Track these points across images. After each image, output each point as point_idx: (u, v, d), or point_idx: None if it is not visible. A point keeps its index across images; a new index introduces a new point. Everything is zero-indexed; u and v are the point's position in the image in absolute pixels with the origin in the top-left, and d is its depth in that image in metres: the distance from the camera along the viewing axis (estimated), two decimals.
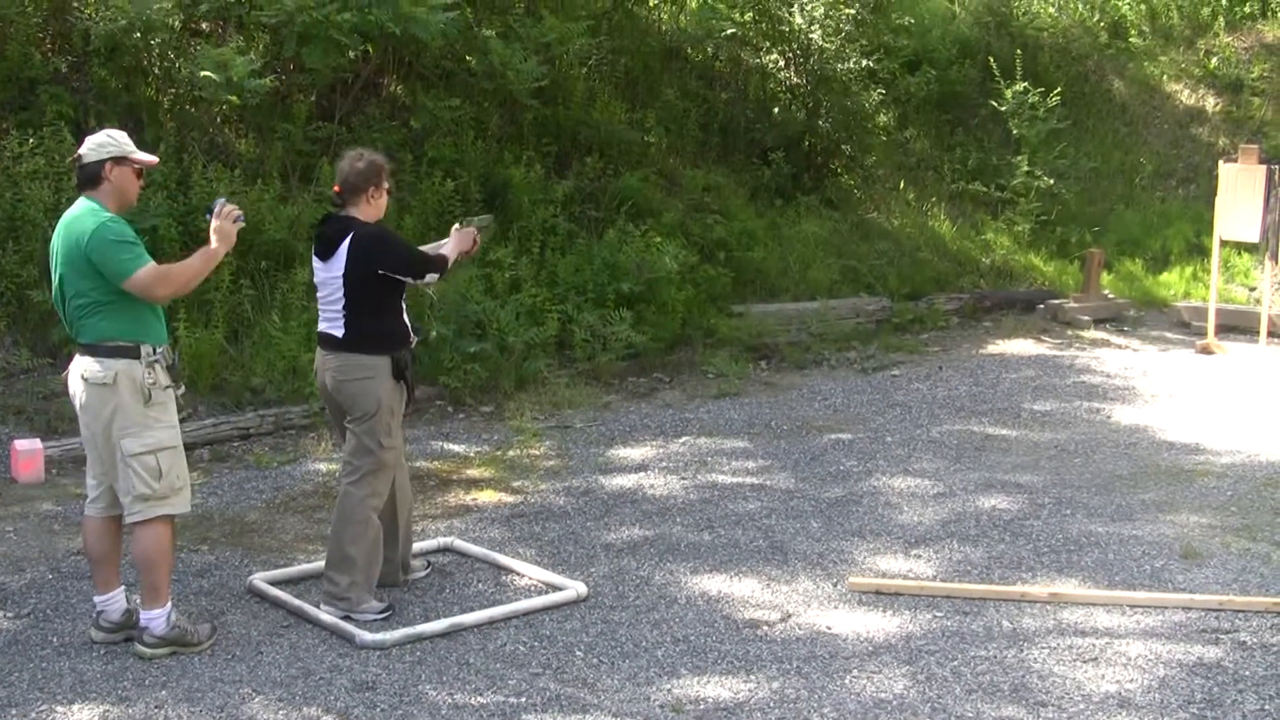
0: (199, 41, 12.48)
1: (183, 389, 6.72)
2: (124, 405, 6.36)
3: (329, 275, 7.01)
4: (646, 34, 16.51)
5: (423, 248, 7.56)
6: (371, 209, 7.09)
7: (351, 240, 6.91)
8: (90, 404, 6.42)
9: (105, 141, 6.52)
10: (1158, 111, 19.77)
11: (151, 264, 6.38)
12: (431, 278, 7.25)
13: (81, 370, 6.43)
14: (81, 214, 6.41)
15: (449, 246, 7.49)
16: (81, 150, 6.53)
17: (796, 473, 9.70)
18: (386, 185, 7.19)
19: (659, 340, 12.55)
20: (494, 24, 14.15)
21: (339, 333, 7.02)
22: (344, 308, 6.99)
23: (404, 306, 7.22)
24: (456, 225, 7.63)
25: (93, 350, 6.39)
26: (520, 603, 7.22)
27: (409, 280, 7.18)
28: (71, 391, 6.57)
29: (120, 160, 6.50)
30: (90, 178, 6.48)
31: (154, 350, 6.44)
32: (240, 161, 12.33)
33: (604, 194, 13.90)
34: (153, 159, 6.79)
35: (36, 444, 9.31)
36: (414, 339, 7.26)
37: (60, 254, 6.44)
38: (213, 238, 6.55)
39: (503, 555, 7.91)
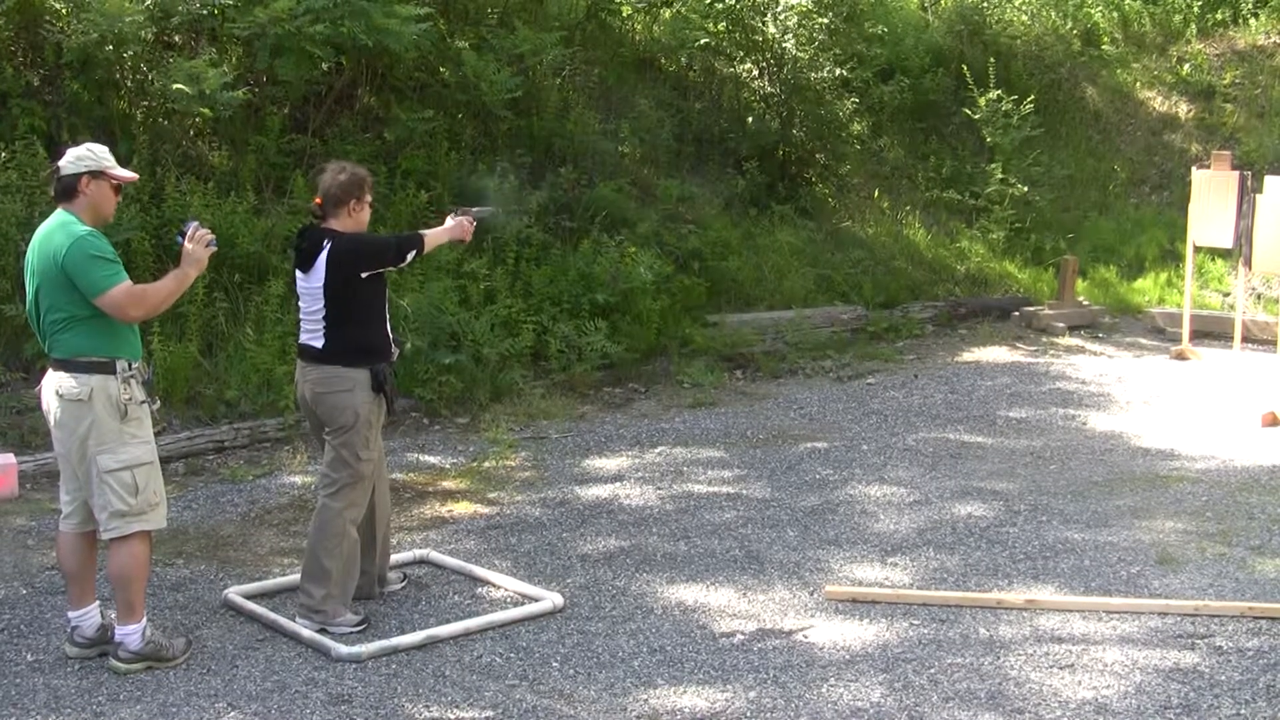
0: (171, 54, 12.45)
1: (158, 404, 6.69)
2: (99, 421, 6.33)
3: (309, 287, 6.99)
4: (620, 44, 16.53)
5: (424, 231, 7.52)
6: (353, 222, 7.06)
7: (329, 251, 6.89)
8: (65, 420, 6.39)
9: (84, 155, 6.48)
10: (1131, 118, 19.85)
11: (127, 283, 6.33)
12: (411, 256, 7.21)
13: (56, 386, 6.38)
14: (57, 227, 6.36)
15: (438, 229, 7.46)
16: (60, 162, 6.49)
17: (772, 482, 9.70)
18: (369, 199, 7.16)
19: (634, 350, 12.55)
20: (467, 35, 14.17)
21: (319, 344, 7.00)
22: (324, 319, 6.96)
23: (387, 318, 7.19)
24: (453, 213, 7.58)
25: (67, 365, 6.35)
26: (496, 614, 7.20)
27: (396, 267, 7.21)
28: (45, 407, 6.53)
29: (97, 174, 6.46)
30: (66, 190, 6.44)
31: (129, 365, 6.41)
32: (214, 174, 12.30)
33: (578, 204, 13.89)
34: (131, 175, 6.75)
35: (10, 459, 9.26)
36: (395, 352, 7.23)
37: (36, 267, 6.40)
38: (184, 261, 6.51)
39: (478, 567, 7.90)
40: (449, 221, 7.48)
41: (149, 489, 6.45)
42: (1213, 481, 9.62)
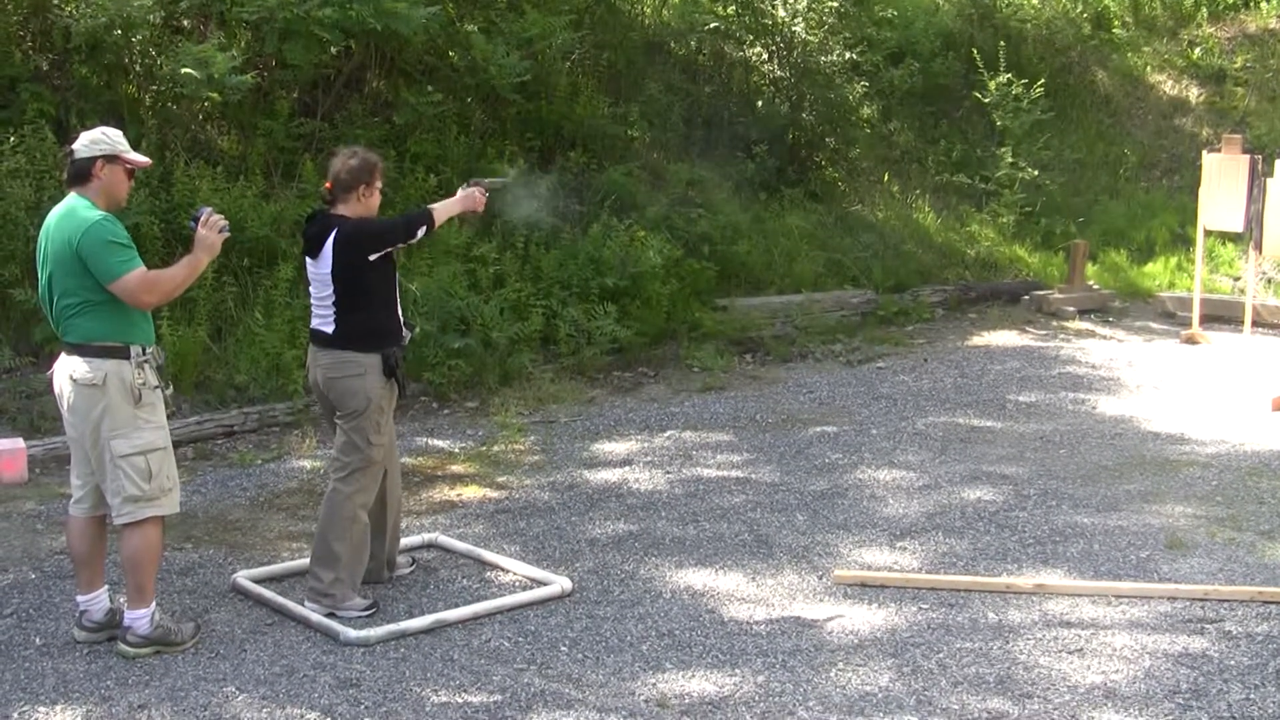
0: (180, 38, 12.43)
1: (171, 389, 6.69)
2: (113, 406, 6.32)
3: (318, 272, 6.98)
4: (629, 28, 16.49)
5: (432, 205, 7.49)
6: (362, 207, 7.03)
7: (335, 237, 6.88)
8: (78, 405, 6.38)
9: (99, 139, 6.46)
10: (1141, 102, 19.80)
11: (141, 269, 6.31)
12: (421, 232, 7.17)
13: (69, 370, 6.37)
14: (71, 210, 6.34)
15: (448, 201, 7.43)
16: (74, 145, 6.47)
17: (781, 466, 9.69)
18: (379, 184, 7.13)
19: (643, 334, 12.53)
20: (476, 19, 14.14)
21: (329, 329, 6.99)
22: (333, 304, 6.95)
23: (397, 302, 7.18)
24: (464, 185, 7.54)
25: (81, 350, 6.33)
26: (505, 598, 7.20)
27: (407, 244, 7.22)
28: (58, 391, 6.52)
29: (112, 159, 6.44)
30: (80, 174, 6.42)
31: (143, 350, 6.40)
32: (222, 159, 12.30)
33: (588, 188, 13.88)
34: (145, 160, 6.73)
35: (19, 443, 9.27)
36: (406, 335, 7.22)
37: (49, 251, 6.38)
38: (197, 246, 6.50)
39: (487, 551, 7.90)
40: (458, 193, 7.44)
41: (162, 474, 6.45)
42: (1222, 466, 9.61)
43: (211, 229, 6.49)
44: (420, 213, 7.28)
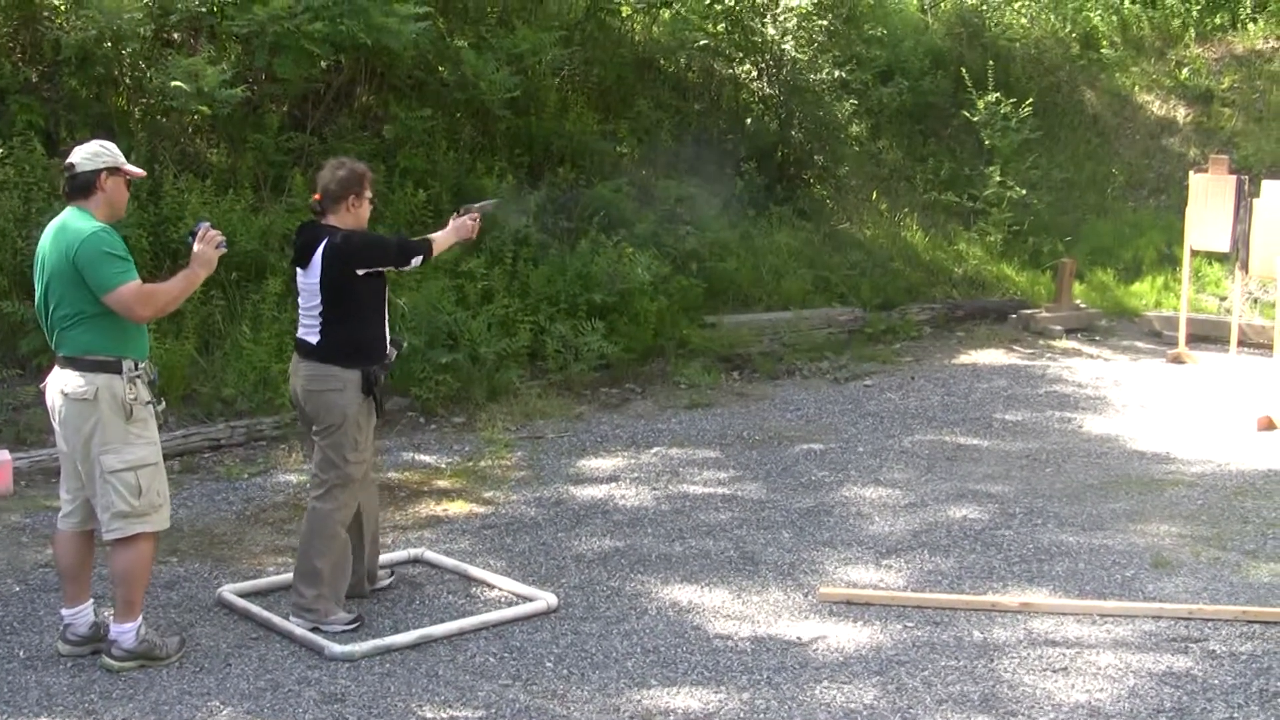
0: (170, 51, 12.44)
1: (164, 404, 6.68)
2: (105, 421, 6.30)
3: (307, 283, 6.97)
4: (619, 45, 16.51)
5: (431, 235, 7.50)
6: (351, 218, 7.03)
7: (325, 246, 6.87)
8: (70, 419, 6.36)
9: (99, 151, 6.46)
10: (1129, 122, 19.85)
11: (136, 281, 6.30)
12: (416, 261, 7.18)
13: (62, 384, 6.35)
14: (71, 221, 6.33)
15: (443, 232, 7.45)
16: (72, 159, 6.44)
17: (768, 483, 9.69)
18: (369, 194, 7.13)
19: (631, 351, 12.54)
20: (466, 34, 14.16)
21: (314, 340, 6.98)
22: (320, 315, 6.95)
23: (385, 319, 7.17)
24: (455, 214, 7.55)
25: (74, 363, 6.32)
26: (490, 614, 7.20)
27: (396, 269, 7.20)
28: (50, 405, 6.50)
29: (114, 171, 6.45)
30: (83, 187, 6.41)
31: (136, 365, 6.38)
32: (212, 172, 12.30)
33: (576, 204, 13.89)
34: (141, 171, 6.76)
35: (5, 455, 9.24)
36: (393, 353, 7.18)
37: (47, 262, 6.36)
38: (193, 261, 6.50)
39: (473, 566, 7.89)
40: (451, 223, 7.46)
41: (152, 490, 6.43)
42: (1208, 485, 9.62)
43: (209, 244, 6.50)
44: (419, 242, 7.28)
